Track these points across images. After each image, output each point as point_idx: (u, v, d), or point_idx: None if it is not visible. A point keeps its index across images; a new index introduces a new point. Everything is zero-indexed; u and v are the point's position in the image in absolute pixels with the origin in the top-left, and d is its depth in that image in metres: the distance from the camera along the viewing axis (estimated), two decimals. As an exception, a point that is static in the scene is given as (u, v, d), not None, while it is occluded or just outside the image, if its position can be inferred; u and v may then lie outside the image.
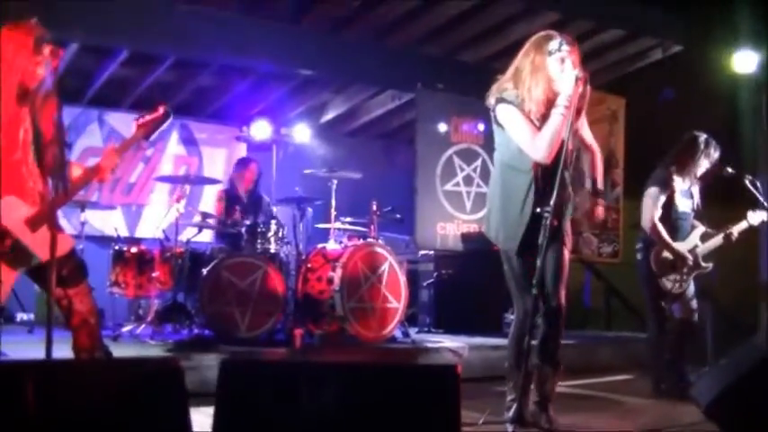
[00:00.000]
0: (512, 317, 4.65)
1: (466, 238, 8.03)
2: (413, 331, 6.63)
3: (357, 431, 2.37)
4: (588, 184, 4.15)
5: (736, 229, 5.18)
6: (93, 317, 3.51)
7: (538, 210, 3.66)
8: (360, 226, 6.58)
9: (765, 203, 5.34)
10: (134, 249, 6.30)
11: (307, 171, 6.59)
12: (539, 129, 3.68)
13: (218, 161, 9.13)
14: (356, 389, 2.42)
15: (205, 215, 6.72)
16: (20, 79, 3.38)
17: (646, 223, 5.12)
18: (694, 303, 5.22)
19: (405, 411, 2.38)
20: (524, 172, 3.74)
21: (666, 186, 5.09)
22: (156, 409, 2.39)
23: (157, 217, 8.20)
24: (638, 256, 5.26)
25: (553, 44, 3.72)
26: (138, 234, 8.52)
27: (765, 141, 7.50)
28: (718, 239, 5.19)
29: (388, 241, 6.74)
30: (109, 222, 8.15)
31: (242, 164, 7.11)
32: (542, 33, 3.85)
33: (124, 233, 8.09)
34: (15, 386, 2.17)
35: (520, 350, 3.73)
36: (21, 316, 6.94)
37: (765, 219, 5.23)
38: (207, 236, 7.23)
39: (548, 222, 3.57)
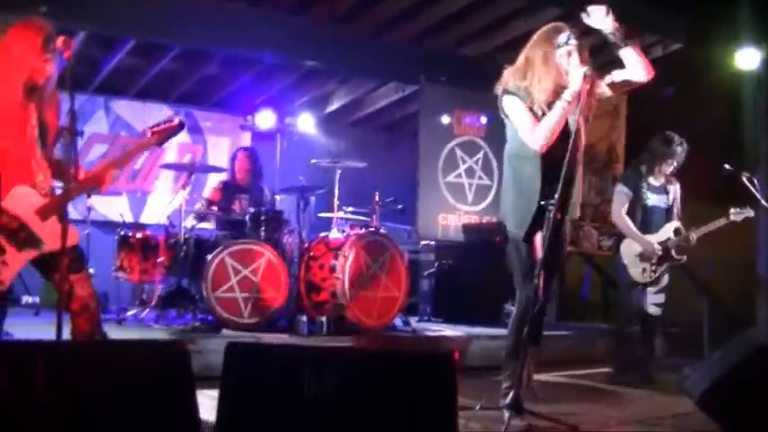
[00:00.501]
0: (511, 307, 4.76)
1: (467, 229, 8.08)
2: (413, 320, 6.71)
3: (358, 415, 2.43)
4: None
5: (699, 232, 5.42)
6: (93, 301, 3.58)
7: (542, 202, 3.76)
8: (362, 216, 6.63)
9: (762, 200, 5.44)
10: (139, 235, 6.33)
11: (313, 161, 6.67)
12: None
13: (222, 150, 9.15)
14: (357, 374, 2.47)
15: (210, 203, 6.77)
16: (28, 75, 3.44)
17: (614, 217, 5.52)
18: (661, 297, 5.45)
19: (404, 396, 2.43)
20: (531, 159, 3.84)
21: (633, 183, 5.45)
22: (164, 390, 2.43)
23: (162, 203, 8.28)
24: (613, 249, 5.64)
25: (561, 37, 3.78)
26: (143, 220, 8.56)
27: (766, 138, 7.55)
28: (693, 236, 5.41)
29: (390, 231, 6.80)
30: (114, 208, 8.20)
31: (234, 154, 7.13)
32: (552, 25, 3.91)
33: (129, 219, 8.12)
34: (26, 364, 2.22)
35: (519, 339, 3.83)
36: (26, 299, 7.00)
37: (749, 215, 5.39)
38: (211, 223, 7.29)
39: (551, 215, 3.66)
